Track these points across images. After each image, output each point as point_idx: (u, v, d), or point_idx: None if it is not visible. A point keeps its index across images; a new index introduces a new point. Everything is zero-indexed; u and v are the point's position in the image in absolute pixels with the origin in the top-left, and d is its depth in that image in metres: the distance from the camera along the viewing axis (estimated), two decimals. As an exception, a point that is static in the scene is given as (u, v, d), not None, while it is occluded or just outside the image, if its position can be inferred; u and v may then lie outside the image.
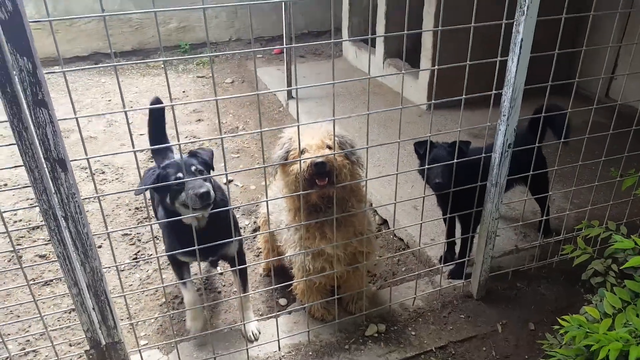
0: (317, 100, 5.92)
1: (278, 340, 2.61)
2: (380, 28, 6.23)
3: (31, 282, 3.47)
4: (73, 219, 1.89)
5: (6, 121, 1.71)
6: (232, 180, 4.68)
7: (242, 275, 2.79)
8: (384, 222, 3.95)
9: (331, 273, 2.55)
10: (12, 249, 2.00)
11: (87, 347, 2.21)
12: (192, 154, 2.44)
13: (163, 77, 7.59)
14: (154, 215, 3.07)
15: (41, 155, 1.76)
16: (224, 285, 3.46)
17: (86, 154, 1.92)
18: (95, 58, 8.25)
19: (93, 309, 2.11)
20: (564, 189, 3.84)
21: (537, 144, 2.68)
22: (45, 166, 1.79)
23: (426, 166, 2.54)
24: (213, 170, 2.45)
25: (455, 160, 2.47)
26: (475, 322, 2.82)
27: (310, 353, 2.63)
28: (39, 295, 3.40)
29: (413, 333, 2.76)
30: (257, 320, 2.86)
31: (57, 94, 6.85)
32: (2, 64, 1.61)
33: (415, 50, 5.87)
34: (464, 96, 2.32)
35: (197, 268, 3.42)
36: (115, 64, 1.81)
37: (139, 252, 3.79)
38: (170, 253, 2.55)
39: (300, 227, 2.47)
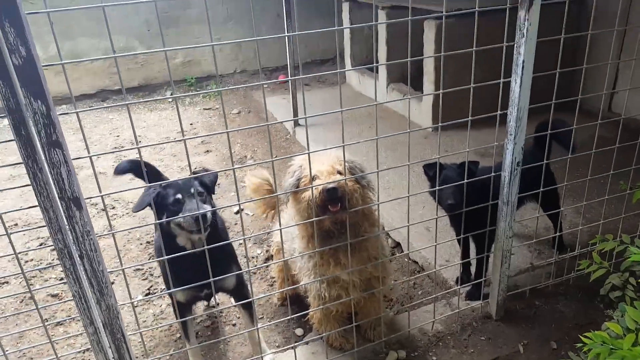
0: (323, 127, 5.98)
1: (296, 371, 2.57)
2: (382, 55, 6.32)
3: (43, 324, 3.50)
4: (88, 257, 1.90)
5: (20, 163, 1.75)
6: (242, 209, 4.69)
7: (248, 308, 2.75)
8: (397, 245, 3.93)
9: (347, 300, 2.53)
10: (25, 290, 2.01)
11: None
12: (193, 177, 2.40)
13: (170, 111, 7.71)
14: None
15: (56, 195, 1.79)
16: (239, 317, 3.43)
17: (100, 191, 1.94)
18: (102, 95, 8.41)
19: (109, 347, 2.09)
20: (575, 204, 3.81)
21: (545, 161, 2.68)
22: (60, 205, 1.81)
23: (437, 187, 2.53)
24: (214, 193, 2.44)
25: (465, 181, 2.48)
26: (496, 344, 2.77)
27: (330, 383, 2.59)
28: (52, 335, 3.39)
29: (434, 358, 2.71)
30: (273, 352, 2.82)
31: (66, 131, 6.90)
32: (16, 107, 1.65)
33: (418, 74, 5.94)
34: (469, 118, 2.34)
35: (199, 309, 3.43)
36: (127, 102, 1.86)
37: (151, 286, 3.78)
38: (170, 291, 2.45)
39: (314, 255, 2.47)
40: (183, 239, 2.38)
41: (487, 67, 2.30)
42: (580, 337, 2.11)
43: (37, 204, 1.82)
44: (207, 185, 2.40)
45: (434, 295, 2.92)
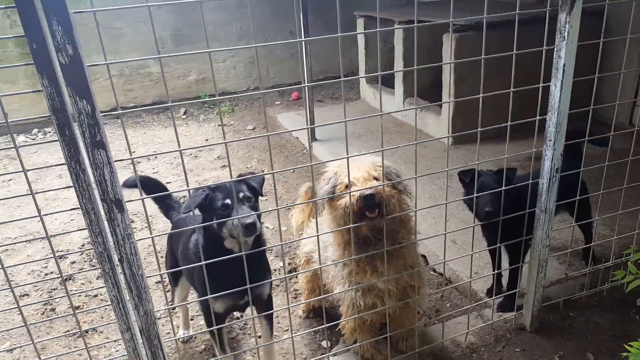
0: (340, 141, 5.98)
1: (330, 384, 2.50)
2: (399, 69, 6.35)
3: (66, 333, 3.46)
4: (128, 261, 1.87)
5: (63, 164, 1.73)
6: (263, 222, 4.64)
7: (269, 320, 2.71)
8: (423, 257, 3.87)
9: (383, 309, 2.47)
10: (45, 301, 1.97)
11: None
12: (240, 179, 2.35)
13: (185, 127, 7.75)
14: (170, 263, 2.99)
15: (98, 197, 1.77)
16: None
17: (141, 193, 1.92)
18: (114, 112, 8.48)
19: (145, 354, 2.05)
20: (603, 216, 3.76)
21: (581, 168, 2.64)
22: (101, 207, 1.79)
23: (475, 194, 2.49)
24: (262, 196, 2.37)
25: (504, 187, 2.44)
26: (532, 356, 2.69)
27: (364, 396, 2.51)
28: (75, 347, 3.33)
29: (468, 370, 2.64)
30: None
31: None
32: (61, 107, 1.64)
33: (436, 88, 5.95)
34: (509, 123, 2.31)
35: (232, 322, 3.37)
36: (172, 104, 1.85)
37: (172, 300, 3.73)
38: (203, 298, 2.36)
39: (349, 262, 2.43)
40: (230, 242, 2.33)
41: (509, 78, 2.27)
42: (625, 346, 2.06)
43: (76, 206, 1.81)
44: (254, 188, 2.33)
45: (467, 307, 2.85)
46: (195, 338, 3.33)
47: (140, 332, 2.01)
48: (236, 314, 3.35)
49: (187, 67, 8.55)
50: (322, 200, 2.39)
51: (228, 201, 2.23)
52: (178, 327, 3.39)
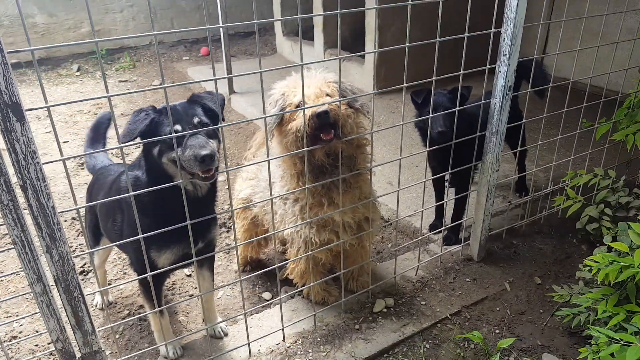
0: (259, 94, 5.61)
1: (282, 329, 2.26)
2: (318, 17, 6.08)
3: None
4: (34, 189, 1.45)
5: None
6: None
7: (212, 270, 2.36)
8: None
9: (338, 244, 2.25)
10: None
11: (57, 363, 1.73)
12: (194, 99, 1.90)
13: (79, 84, 6.87)
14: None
15: (-13, 101, 1.32)
16: (195, 288, 3.03)
17: (61, 154, 1.48)
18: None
19: (64, 311, 1.64)
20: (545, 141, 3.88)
21: (523, 91, 2.60)
22: (-7, 116, 1.35)
23: (430, 115, 2.31)
24: (223, 121, 1.86)
25: (458, 108, 2.31)
26: (482, 284, 2.66)
27: (319, 339, 2.31)
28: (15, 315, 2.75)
29: (423, 303, 2.54)
30: (224, 320, 2.47)
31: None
32: None
33: (356, 39, 5.79)
34: (434, 77, 2.16)
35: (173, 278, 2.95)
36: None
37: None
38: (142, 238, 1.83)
39: (302, 197, 2.17)
40: (182, 179, 1.84)
41: (429, 25, 2.10)
42: (587, 261, 2.05)
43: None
44: (213, 111, 1.87)
45: (414, 241, 2.74)
46: (116, 303, 2.90)
47: (55, 281, 1.60)
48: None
49: (79, 18, 7.54)
50: (270, 124, 2.09)
51: (179, 127, 1.77)
52: (94, 294, 2.92)
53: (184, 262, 1.99)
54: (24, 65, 7.26)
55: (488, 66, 2.31)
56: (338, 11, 1.84)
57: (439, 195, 3.01)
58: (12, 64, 1.33)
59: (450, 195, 2.97)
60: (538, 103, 3.04)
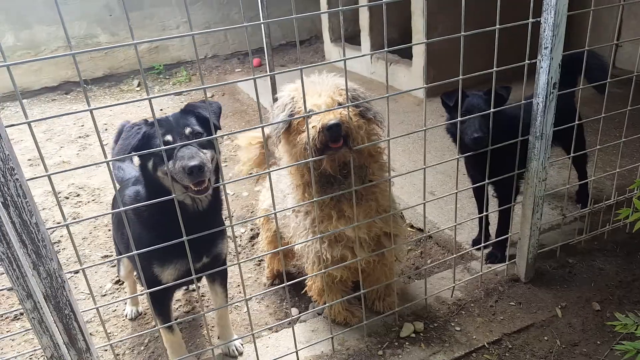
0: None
1: (296, 352, 2.10)
2: (364, 22, 5.92)
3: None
4: (15, 205, 1.40)
5: None
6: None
7: (225, 287, 2.28)
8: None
9: (353, 262, 2.07)
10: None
11: (52, 382, 1.68)
12: (188, 109, 1.81)
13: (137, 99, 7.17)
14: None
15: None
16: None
17: (46, 169, 1.45)
18: (65, 87, 7.78)
19: (56, 326, 1.59)
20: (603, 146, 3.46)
21: (579, 87, 2.28)
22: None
23: (459, 119, 2.06)
24: (219, 129, 1.82)
25: (493, 109, 2.05)
26: (529, 309, 2.35)
27: (338, 364, 2.13)
28: (7, 331, 2.85)
29: (457, 329, 2.27)
30: (240, 338, 2.36)
31: (26, 125, 6.37)
32: None
33: (405, 41, 5.55)
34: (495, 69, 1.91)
35: (177, 293, 2.90)
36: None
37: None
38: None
39: (312, 209, 2.01)
40: (181, 195, 1.79)
41: (480, 22, 1.90)
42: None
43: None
44: (205, 121, 1.77)
45: (449, 257, 2.48)
46: (145, 314, 2.88)
47: (44, 298, 1.55)
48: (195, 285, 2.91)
49: (138, 36, 7.87)
50: (277, 130, 1.95)
51: (169, 137, 1.70)
52: (125, 303, 2.93)
53: (187, 278, 1.89)
54: (90, 82, 7.70)
55: (527, 61, 2.03)
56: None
57: (481, 207, 2.72)
58: (78, 81, 1.31)
59: (494, 207, 2.68)
60: (599, 101, 2.67)
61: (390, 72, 5.60)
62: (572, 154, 2.47)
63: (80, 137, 6.01)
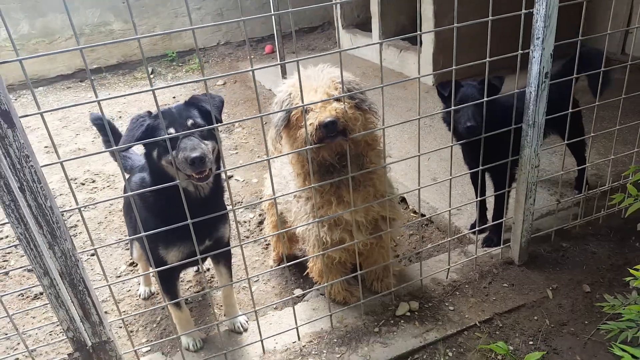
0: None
1: (297, 329, 2.23)
2: (375, 9, 5.94)
3: (19, 296, 3.15)
4: (31, 190, 1.54)
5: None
6: (232, 176, 4.33)
7: (229, 268, 2.41)
8: (402, 200, 3.59)
9: (352, 244, 2.17)
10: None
11: (71, 350, 1.84)
12: (191, 102, 1.92)
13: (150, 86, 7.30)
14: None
15: (-19, 108, 1.42)
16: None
17: (58, 157, 1.57)
18: (80, 75, 7.95)
19: (71, 302, 1.74)
20: (594, 146, 3.49)
21: (575, 75, 2.32)
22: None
23: (453, 107, 2.14)
24: (220, 122, 1.92)
25: (486, 98, 2.11)
26: (521, 290, 2.44)
27: (335, 340, 2.25)
28: (27, 309, 3.03)
29: (451, 308, 2.38)
30: (244, 314, 2.51)
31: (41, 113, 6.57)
32: None
33: (416, 28, 5.57)
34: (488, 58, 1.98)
35: (188, 275, 3.06)
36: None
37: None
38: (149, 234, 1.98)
39: (311, 194, 2.11)
40: (184, 182, 1.92)
41: (489, 11, 1.97)
42: (629, 270, 1.80)
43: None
44: (208, 113, 1.88)
45: (448, 239, 2.57)
46: (157, 294, 3.04)
47: (60, 276, 1.69)
48: (201, 267, 3.05)
49: (152, 23, 8.01)
50: (277, 126, 2.05)
51: (172, 130, 1.82)
52: (139, 283, 3.09)
53: (191, 259, 2.02)
54: (104, 70, 7.86)
55: (520, 52, 2.09)
56: None
57: (479, 191, 2.79)
58: (93, 69, 1.42)
59: (488, 192, 2.75)
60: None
61: (400, 59, 5.64)
62: (565, 141, 2.52)
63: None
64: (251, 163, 2.59)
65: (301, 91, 1.83)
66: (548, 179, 3.26)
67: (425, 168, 3.69)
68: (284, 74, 5.74)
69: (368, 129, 2.08)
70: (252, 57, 7.89)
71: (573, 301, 2.35)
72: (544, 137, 2.74)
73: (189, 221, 1.79)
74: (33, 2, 7.43)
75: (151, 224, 1.95)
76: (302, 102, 1.84)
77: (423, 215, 3.38)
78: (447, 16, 4.84)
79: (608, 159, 2.76)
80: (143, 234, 1.78)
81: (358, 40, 6.53)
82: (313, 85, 2.03)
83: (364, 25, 6.60)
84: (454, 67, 2.03)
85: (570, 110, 2.34)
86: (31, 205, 1.56)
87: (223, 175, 1.99)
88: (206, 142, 1.82)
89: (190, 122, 1.83)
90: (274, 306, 2.74)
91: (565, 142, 2.53)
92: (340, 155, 2.05)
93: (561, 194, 3.10)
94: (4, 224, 1.67)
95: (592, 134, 2.50)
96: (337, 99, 1.98)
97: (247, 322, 2.43)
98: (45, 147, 5.55)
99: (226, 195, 2.21)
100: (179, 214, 1.82)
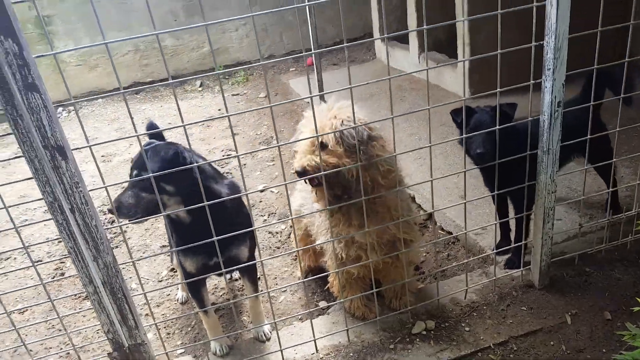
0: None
1: (315, 341, 2.37)
2: (412, 23, 6.01)
3: (72, 297, 3.48)
4: (80, 211, 1.77)
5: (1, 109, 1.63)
6: (267, 187, 4.53)
7: (254, 283, 2.61)
8: (429, 217, 3.66)
9: (367, 263, 2.30)
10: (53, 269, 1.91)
11: (110, 350, 2.07)
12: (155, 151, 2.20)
13: (200, 99, 7.68)
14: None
15: (39, 144, 1.66)
16: (261, 290, 3.27)
17: (103, 182, 1.80)
18: (135, 87, 8.46)
19: (111, 307, 1.97)
20: (632, 165, 3.42)
21: (593, 101, 2.34)
22: (45, 155, 1.68)
23: (464, 135, 2.23)
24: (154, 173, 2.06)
25: (498, 127, 2.18)
26: (540, 314, 2.47)
27: (351, 354, 2.37)
28: (79, 308, 3.35)
29: (467, 329, 2.44)
30: (270, 323, 2.67)
31: (101, 122, 7.10)
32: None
33: (452, 41, 5.60)
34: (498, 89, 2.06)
35: (212, 284, 3.29)
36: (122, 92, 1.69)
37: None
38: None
39: (327, 213, 2.26)
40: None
41: (523, 28, 2.04)
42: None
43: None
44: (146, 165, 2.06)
45: (465, 261, 2.64)
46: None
47: (102, 284, 1.92)
48: (229, 276, 3.28)
49: (201, 39, 8.41)
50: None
51: (135, 172, 2.16)
52: (177, 288, 3.34)
53: (209, 274, 2.39)
54: (157, 82, 8.33)
55: (532, 81, 2.15)
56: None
57: (501, 215, 2.83)
58: (147, 81, 1.65)
59: (511, 214, 2.79)
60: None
61: (437, 72, 5.68)
62: (587, 165, 2.53)
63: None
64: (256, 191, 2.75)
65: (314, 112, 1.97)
66: (579, 200, 3.23)
67: (454, 186, 3.74)
68: (320, 88, 5.92)
69: (372, 164, 2.16)
70: (293, 69, 8.02)
71: (592, 328, 2.36)
72: (569, 160, 2.77)
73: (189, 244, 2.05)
74: (92, 21, 8.00)
75: (175, 237, 2.24)
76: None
77: (450, 233, 3.44)
78: (481, 32, 4.86)
79: (635, 183, 2.73)
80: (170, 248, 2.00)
81: (395, 52, 6.61)
82: (311, 126, 2.11)
83: (402, 38, 6.68)
84: (464, 97, 2.12)
85: (589, 137, 2.36)
86: (79, 224, 1.79)
87: (245, 200, 2.21)
88: (143, 195, 2.09)
89: (135, 173, 2.13)
90: (299, 317, 2.89)
91: (586, 166, 2.53)
92: (344, 187, 2.18)
93: (590, 216, 3.08)
94: (58, 239, 1.93)
95: (615, 159, 2.50)
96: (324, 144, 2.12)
97: (270, 331, 2.60)
98: (102, 156, 5.98)
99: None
100: (189, 231, 2.21)
